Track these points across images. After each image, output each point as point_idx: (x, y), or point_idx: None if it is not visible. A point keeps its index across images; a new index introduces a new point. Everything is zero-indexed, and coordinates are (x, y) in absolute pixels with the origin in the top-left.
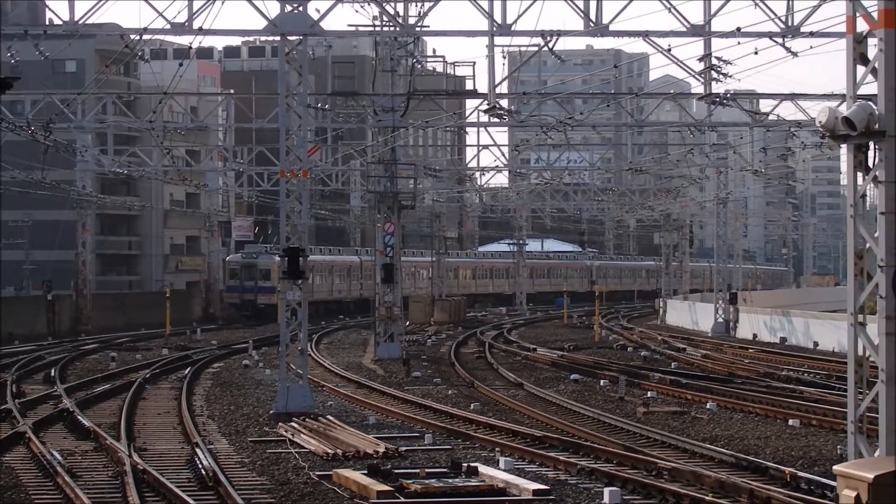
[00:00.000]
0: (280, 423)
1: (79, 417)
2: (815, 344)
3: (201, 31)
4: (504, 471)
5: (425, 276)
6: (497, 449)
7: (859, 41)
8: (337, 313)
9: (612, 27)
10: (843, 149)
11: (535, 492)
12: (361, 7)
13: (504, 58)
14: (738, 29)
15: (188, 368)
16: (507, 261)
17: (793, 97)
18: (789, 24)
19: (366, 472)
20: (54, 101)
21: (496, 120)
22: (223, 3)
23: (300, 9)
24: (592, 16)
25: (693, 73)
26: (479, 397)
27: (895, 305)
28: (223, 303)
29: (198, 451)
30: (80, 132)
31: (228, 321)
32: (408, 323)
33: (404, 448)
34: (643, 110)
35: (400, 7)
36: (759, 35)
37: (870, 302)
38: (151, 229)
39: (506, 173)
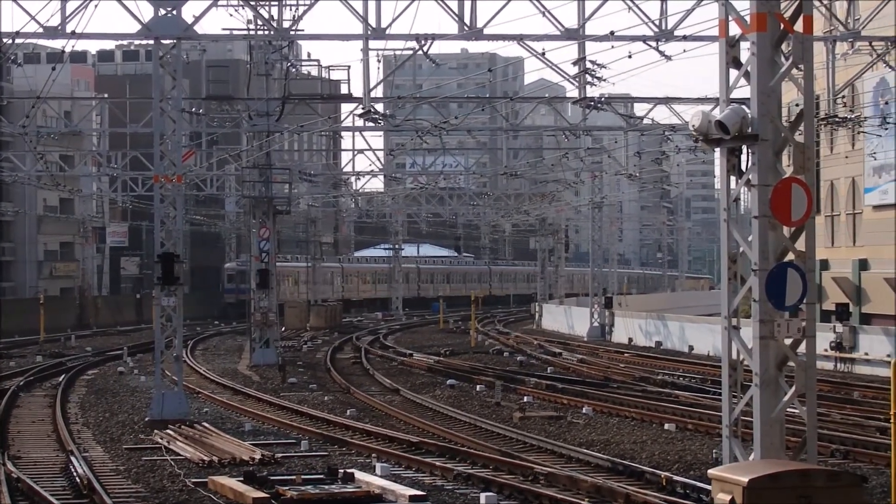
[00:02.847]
0: (155, 431)
1: None
2: (691, 348)
3: (74, 35)
4: (380, 477)
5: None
6: (373, 455)
7: (732, 45)
8: None
9: (486, 31)
10: (717, 153)
11: (412, 497)
12: (236, 11)
13: (379, 62)
14: (612, 33)
15: (63, 375)
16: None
17: (667, 101)
18: (663, 27)
19: (242, 479)
20: None
21: (371, 124)
22: (96, 6)
23: (174, 12)
24: (467, 19)
25: (567, 77)
26: (356, 403)
27: (768, 309)
28: (98, 308)
29: (72, 458)
30: None
31: (103, 326)
32: (283, 329)
33: (280, 455)
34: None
35: (274, 11)
36: (633, 39)
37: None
38: (25, 235)
39: (381, 178)
